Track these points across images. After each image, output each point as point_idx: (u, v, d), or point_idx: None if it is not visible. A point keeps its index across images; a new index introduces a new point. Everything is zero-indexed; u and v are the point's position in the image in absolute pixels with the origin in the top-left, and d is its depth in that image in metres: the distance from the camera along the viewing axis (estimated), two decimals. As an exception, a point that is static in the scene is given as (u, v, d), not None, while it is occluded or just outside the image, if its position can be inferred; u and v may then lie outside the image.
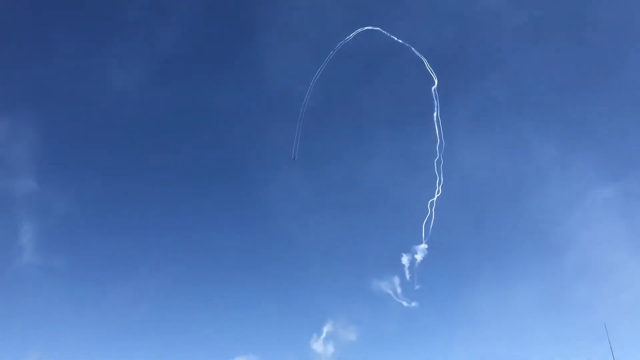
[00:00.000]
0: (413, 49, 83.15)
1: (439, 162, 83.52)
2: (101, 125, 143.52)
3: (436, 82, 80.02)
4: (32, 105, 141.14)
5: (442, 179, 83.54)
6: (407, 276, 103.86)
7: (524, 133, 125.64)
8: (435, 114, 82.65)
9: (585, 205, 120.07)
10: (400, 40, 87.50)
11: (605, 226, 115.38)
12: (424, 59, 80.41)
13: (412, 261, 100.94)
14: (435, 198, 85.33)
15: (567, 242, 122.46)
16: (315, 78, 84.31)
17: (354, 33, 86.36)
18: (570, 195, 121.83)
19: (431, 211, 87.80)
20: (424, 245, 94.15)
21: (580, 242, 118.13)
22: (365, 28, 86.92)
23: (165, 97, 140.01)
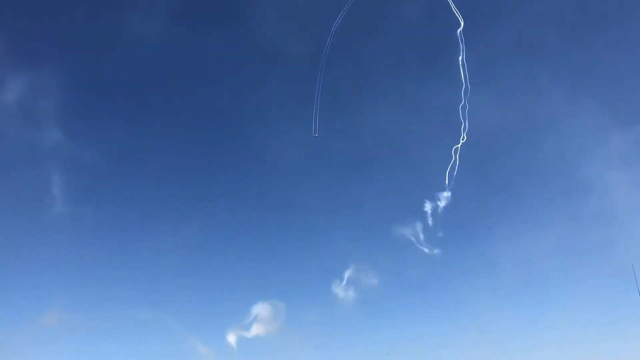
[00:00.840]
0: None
1: (464, 107, 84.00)
2: (123, 75, 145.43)
3: (462, 24, 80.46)
4: (54, 57, 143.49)
5: (467, 125, 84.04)
6: (430, 223, 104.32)
7: (537, 79, 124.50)
8: (460, 58, 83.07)
9: (604, 150, 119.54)
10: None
11: (625, 170, 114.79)
12: (450, 1, 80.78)
13: (435, 208, 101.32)
14: (460, 144, 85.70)
15: (586, 187, 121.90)
16: (334, 27, 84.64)
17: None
18: (590, 140, 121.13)
19: (455, 157, 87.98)
20: (447, 193, 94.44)
21: (599, 186, 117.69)
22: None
23: (185, 44, 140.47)
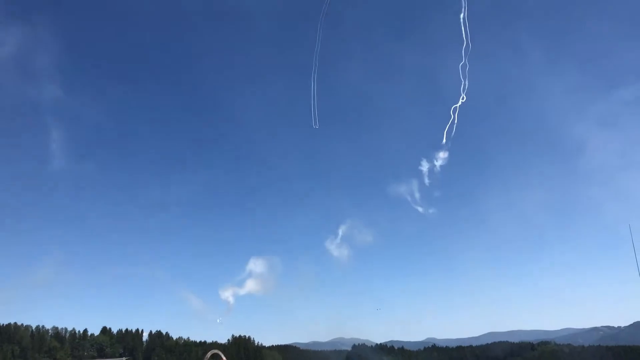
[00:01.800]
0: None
1: (464, 66, 77.13)
2: (123, 30, 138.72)
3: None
4: (50, 11, 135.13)
5: (467, 84, 77.36)
6: (426, 182, 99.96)
7: (524, 39, 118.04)
8: (462, 15, 75.70)
9: (598, 109, 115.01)
10: None
11: (619, 129, 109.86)
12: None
13: (432, 167, 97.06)
14: (459, 104, 79.39)
15: (579, 145, 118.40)
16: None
17: None
18: (584, 98, 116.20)
19: (454, 117, 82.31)
20: (444, 153, 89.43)
21: (592, 144, 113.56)
22: None
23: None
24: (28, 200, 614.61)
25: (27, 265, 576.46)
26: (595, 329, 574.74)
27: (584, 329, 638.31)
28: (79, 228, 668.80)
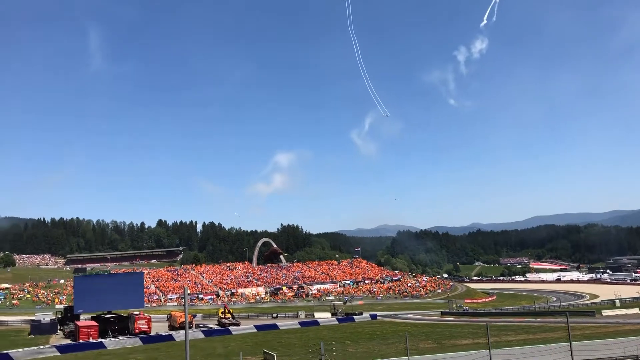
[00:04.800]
0: None
1: None
2: None
3: None
4: None
5: None
6: (463, 72, 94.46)
7: None
8: None
9: None
10: None
11: None
12: None
13: (469, 56, 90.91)
14: None
15: (613, 22, 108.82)
16: None
17: None
18: None
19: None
20: (481, 43, 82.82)
21: (629, 22, 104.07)
22: None
23: None
24: (64, 102, 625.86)
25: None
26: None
27: (632, 210, 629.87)
28: (126, 131, 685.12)
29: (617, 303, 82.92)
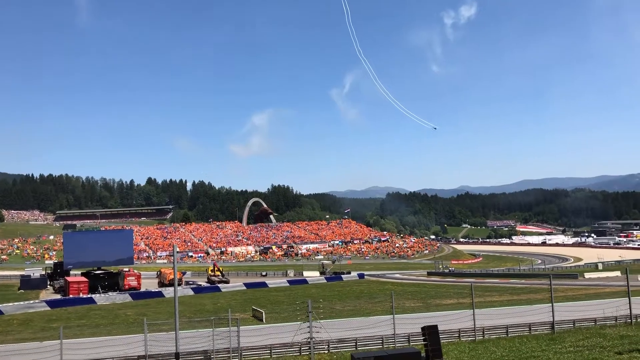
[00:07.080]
0: None
1: None
2: None
3: None
4: None
5: None
6: (449, 36, 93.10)
7: None
8: None
9: None
10: None
11: None
12: None
13: (457, 19, 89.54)
14: None
15: None
16: None
17: None
18: None
19: None
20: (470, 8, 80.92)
21: None
22: None
23: None
24: (52, 59, 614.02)
25: (74, 120, 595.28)
26: (631, 175, 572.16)
27: (619, 175, 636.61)
28: (116, 88, 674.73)
29: (600, 266, 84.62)
